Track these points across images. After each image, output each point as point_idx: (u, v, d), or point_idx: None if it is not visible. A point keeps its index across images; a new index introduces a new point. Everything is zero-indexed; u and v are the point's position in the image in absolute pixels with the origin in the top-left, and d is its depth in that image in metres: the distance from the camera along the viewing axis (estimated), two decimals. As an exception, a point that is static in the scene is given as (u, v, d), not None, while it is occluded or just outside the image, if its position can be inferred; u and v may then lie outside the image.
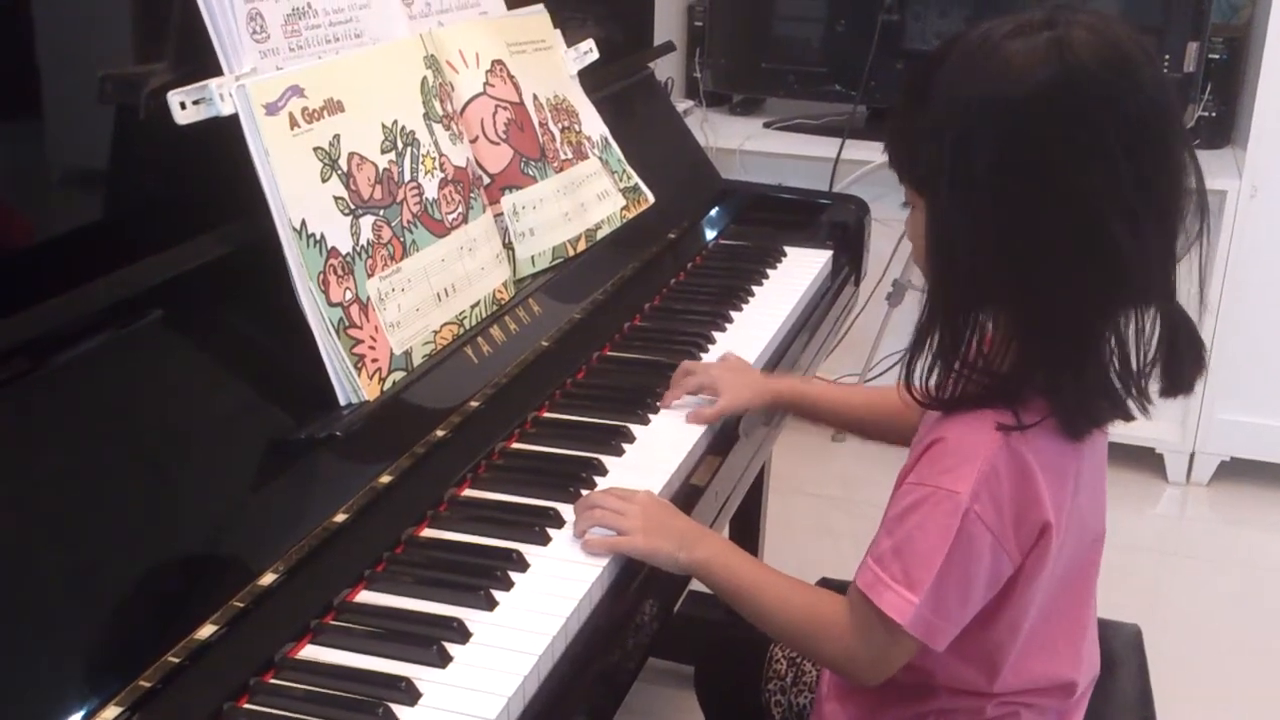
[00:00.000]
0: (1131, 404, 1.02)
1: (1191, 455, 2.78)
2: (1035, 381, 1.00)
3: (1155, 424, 2.75)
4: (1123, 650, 1.34)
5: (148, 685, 0.84)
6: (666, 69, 2.51)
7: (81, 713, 0.81)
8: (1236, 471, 2.78)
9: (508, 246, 1.40)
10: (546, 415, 1.33)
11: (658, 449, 1.28)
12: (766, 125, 3.00)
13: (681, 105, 2.82)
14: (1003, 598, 1.05)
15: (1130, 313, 1.00)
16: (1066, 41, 0.95)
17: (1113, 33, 0.96)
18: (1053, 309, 0.98)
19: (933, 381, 1.05)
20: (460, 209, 1.30)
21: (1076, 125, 0.94)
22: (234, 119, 1.06)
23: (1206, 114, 2.72)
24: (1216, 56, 2.69)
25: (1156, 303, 1.00)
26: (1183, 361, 1.03)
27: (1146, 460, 2.79)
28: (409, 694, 0.90)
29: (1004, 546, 1.00)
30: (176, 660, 0.86)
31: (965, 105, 0.96)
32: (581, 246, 1.52)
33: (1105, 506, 1.14)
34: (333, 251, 1.11)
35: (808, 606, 1.09)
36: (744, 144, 2.88)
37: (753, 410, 1.39)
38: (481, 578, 1.03)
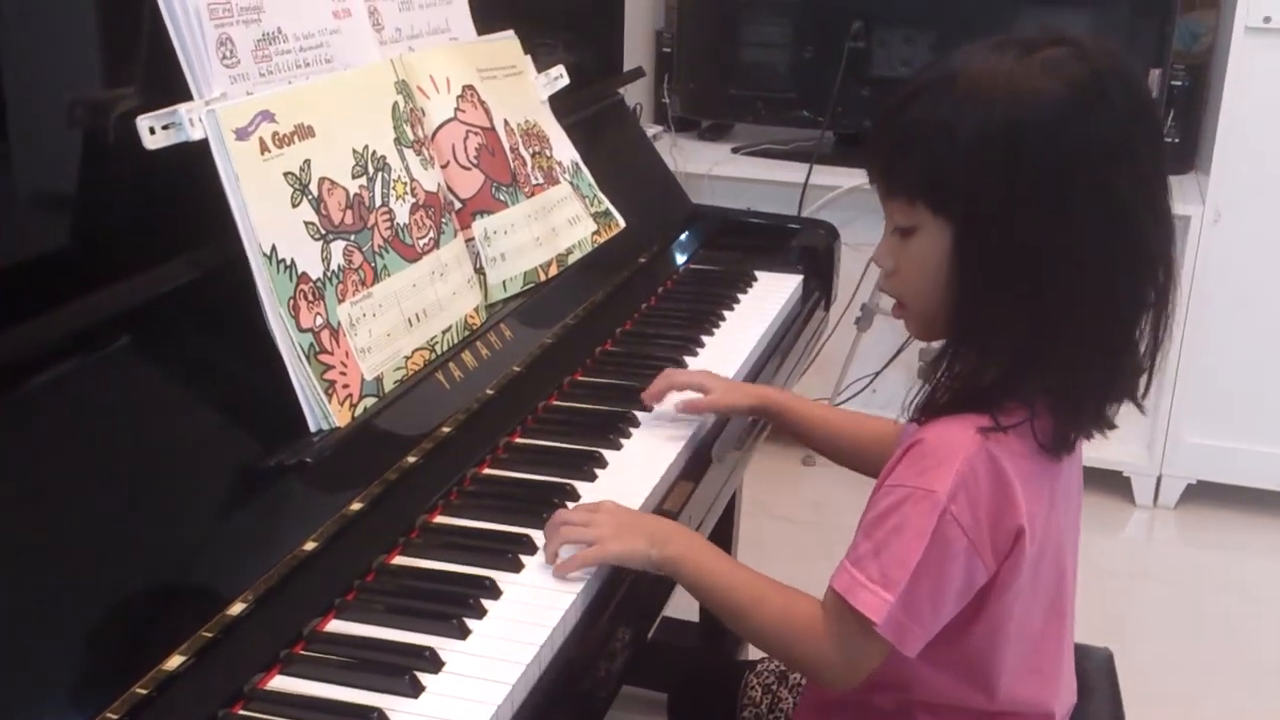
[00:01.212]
0: (1111, 411, 1.06)
1: (1158, 478, 2.80)
2: (1023, 391, 1.01)
3: (1122, 447, 2.78)
4: (1095, 674, 1.34)
5: (114, 718, 0.82)
6: (635, 94, 2.52)
7: (46, 747, 0.79)
8: (1203, 494, 2.81)
9: (479, 271, 1.39)
10: (519, 441, 1.32)
11: (630, 474, 1.27)
12: (735, 150, 3.02)
13: (650, 130, 2.82)
14: (978, 606, 1.05)
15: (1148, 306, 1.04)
16: (1078, 52, 1.00)
17: (1099, 41, 1.02)
18: (1083, 311, 1.00)
19: (915, 398, 1.07)
20: (431, 234, 1.29)
21: (1107, 125, 0.98)
22: (204, 144, 1.05)
23: (1170, 140, 2.75)
24: (1179, 83, 2.73)
25: (1170, 285, 1.04)
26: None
27: (1114, 483, 2.81)
28: (381, 724, 0.89)
29: (979, 552, 1.01)
30: (144, 692, 0.84)
31: (989, 130, 0.98)
32: (553, 271, 1.51)
33: (1080, 531, 1.15)
34: (303, 277, 1.10)
35: (784, 607, 1.09)
36: (713, 169, 2.89)
37: (740, 412, 1.39)
38: (454, 606, 1.02)
